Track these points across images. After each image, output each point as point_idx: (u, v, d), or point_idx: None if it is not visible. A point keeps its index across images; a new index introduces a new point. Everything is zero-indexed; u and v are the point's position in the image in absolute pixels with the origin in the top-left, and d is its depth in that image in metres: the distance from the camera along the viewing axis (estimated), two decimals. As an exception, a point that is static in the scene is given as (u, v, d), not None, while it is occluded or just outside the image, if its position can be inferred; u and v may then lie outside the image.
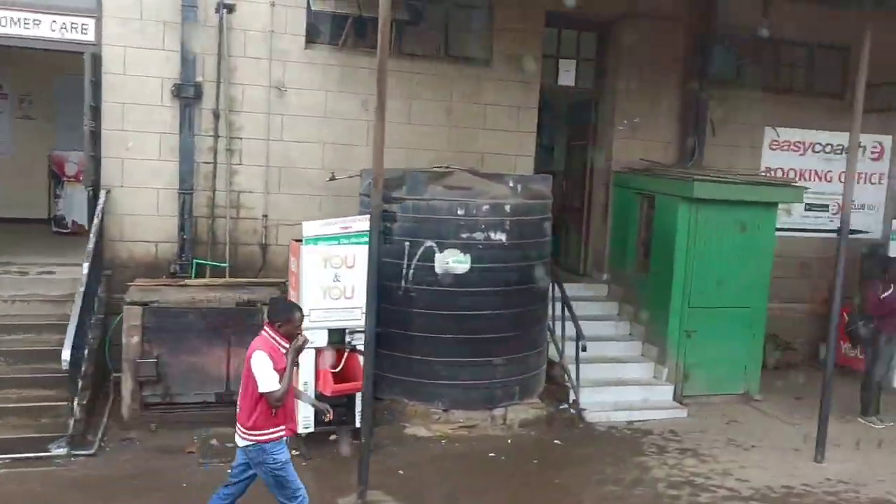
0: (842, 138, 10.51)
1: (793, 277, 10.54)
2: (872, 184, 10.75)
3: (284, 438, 4.81)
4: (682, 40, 9.68)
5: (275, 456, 4.73)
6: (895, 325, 8.12)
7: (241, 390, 4.82)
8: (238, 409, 4.81)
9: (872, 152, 10.69)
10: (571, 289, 9.67)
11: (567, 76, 9.77)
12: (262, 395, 4.62)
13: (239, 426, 4.78)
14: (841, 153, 10.55)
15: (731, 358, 8.69)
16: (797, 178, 10.38)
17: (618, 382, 8.55)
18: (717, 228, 8.51)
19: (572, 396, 8.06)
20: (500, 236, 7.28)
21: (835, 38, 10.40)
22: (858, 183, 10.68)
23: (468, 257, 7.20)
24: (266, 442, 4.70)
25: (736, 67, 10.26)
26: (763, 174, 9.96)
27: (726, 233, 8.54)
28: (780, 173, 10.29)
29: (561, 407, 8.00)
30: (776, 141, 10.28)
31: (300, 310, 5.01)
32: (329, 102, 8.64)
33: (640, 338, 9.06)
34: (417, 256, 7.23)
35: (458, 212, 7.18)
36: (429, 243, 7.21)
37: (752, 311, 8.74)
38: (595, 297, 9.66)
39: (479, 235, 7.21)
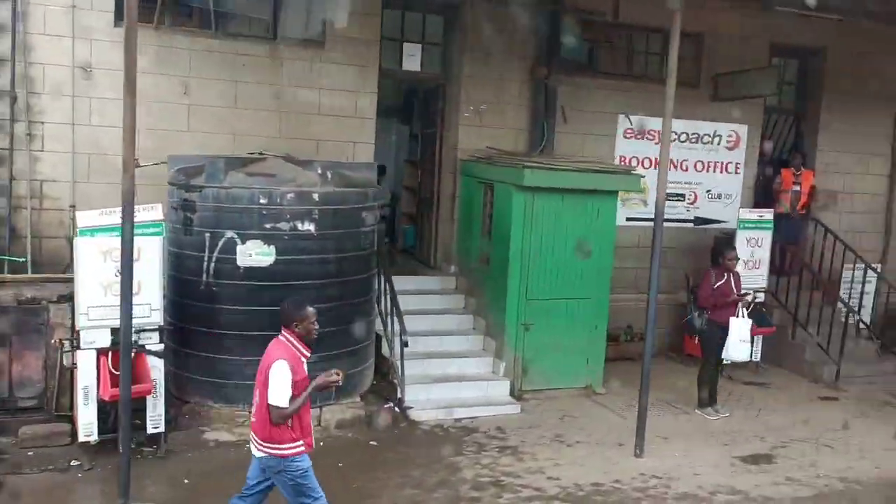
0: (698, 127, 10.50)
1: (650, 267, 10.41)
2: (729, 173, 10.70)
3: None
4: (529, 25, 9.41)
5: (297, 463, 4.59)
6: (728, 315, 8.00)
7: (256, 398, 4.63)
8: (253, 419, 4.67)
9: (728, 141, 10.63)
10: (419, 282, 9.44)
11: (412, 61, 9.38)
12: (268, 405, 4.45)
13: (254, 436, 4.63)
14: (697, 142, 10.49)
15: (571, 351, 8.47)
16: (652, 167, 10.27)
17: (454, 378, 8.23)
18: (554, 218, 8.27)
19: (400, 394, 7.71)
20: (309, 226, 6.84)
21: (688, 26, 10.28)
22: (714, 172, 10.69)
23: (272, 249, 6.76)
24: (286, 457, 4.56)
25: (588, 54, 10.06)
26: (605, 162, 9.66)
27: (565, 222, 8.32)
28: (634, 162, 10.13)
29: (386, 406, 7.62)
30: (630, 129, 10.11)
31: (310, 303, 4.75)
32: (144, 85, 8.03)
33: (482, 332, 8.77)
34: (219, 248, 6.76)
35: (261, 200, 6.72)
36: (230, 234, 6.74)
37: (594, 302, 8.54)
38: (443, 290, 9.33)
39: (284, 226, 6.77)
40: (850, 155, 11.38)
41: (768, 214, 9.74)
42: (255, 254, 6.72)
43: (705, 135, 10.49)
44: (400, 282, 9.25)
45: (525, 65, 9.50)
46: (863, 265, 10.88)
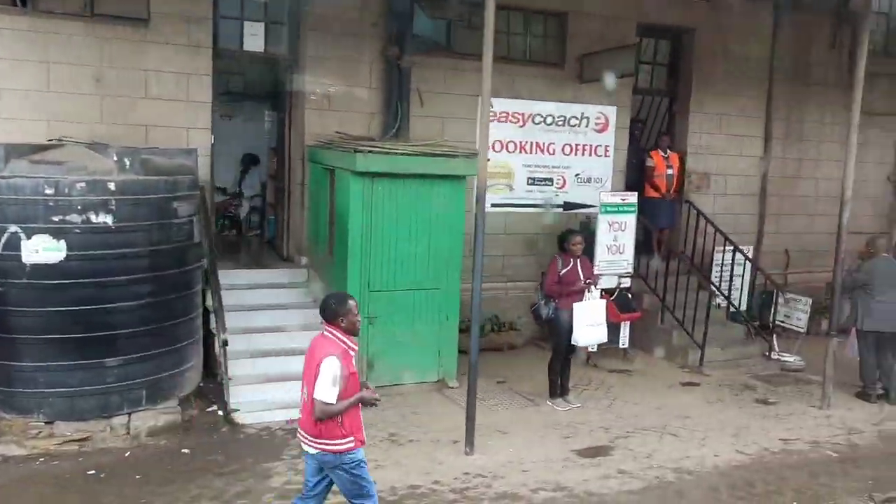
0: (565, 109, 10.21)
1: (518, 255, 10.14)
2: (599, 156, 10.45)
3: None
4: (379, 1, 8.96)
5: (351, 455, 4.55)
6: (575, 302, 7.73)
7: (304, 395, 4.57)
8: (301, 415, 4.64)
9: (597, 123, 10.38)
10: (269, 275, 8.99)
11: (254, 40, 8.82)
12: (313, 399, 4.40)
13: (304, 433, 4.60)
14: (564, 125, 10.21)
15: (421, 344, 8.09)
16: (518, 151, 9.96)
17: (294, 377, 7.67)
18: (396, 205, 7.84)
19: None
20: (105, 218, 6.27)
21: (552, 5, 10.02)
22: (584, 155, 10.43)
23: (63, 244, 6.17)
24: (341, 452, 4.53)
25: (446, 34, 9.66)
26: (447, 145, 9.12)
27: (407, 209, 7.89)
28: (498, 146, 9.80)
29: (209, 409, 7.13)
30: (493, 112, 9.74)
31: (351, 296, 4.77)
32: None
33: (329, 326, 8.32)
34: (2, 245, 6.13)
35: (47, 191, 6.12)
36: (13, 229, 6.12)
37: (444, 292, 8.17)
38: (292, 283, 8.84)
39: (75, 218, 6.18)
40: (722, 136, 11.29)
41: (631, 198, 9.50)
42: (42, 249, 6.12)
43: (572, 117, 10.21)
44: (248, 276, 8.83)
45: (376, 45, 9.05)
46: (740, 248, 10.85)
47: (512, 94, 9.84)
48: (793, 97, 11.68)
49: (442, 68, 9.42)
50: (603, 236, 9.30)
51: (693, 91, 10.97)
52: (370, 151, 7.53)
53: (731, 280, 10.52)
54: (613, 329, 9.31)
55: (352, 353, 4.61)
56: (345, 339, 4.59)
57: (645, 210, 10.84)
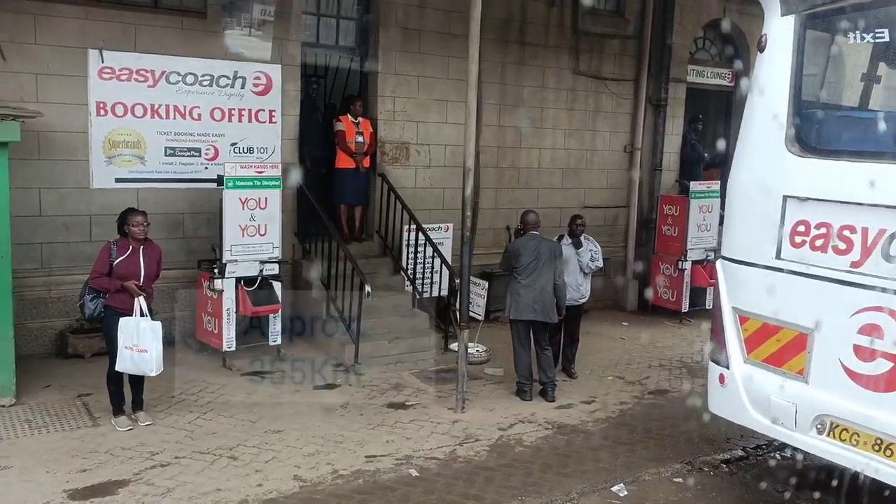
0: (210, 67, 8.68)
1: (165, 238, 8.57)
2: (261, 122, 8.98)
3: None
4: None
5: None
6: (133, 299, 6.23)
7: None
8: None
9: (256, 84, 8.90)
10: None
11: None
12: None
13: None
14: (211, 85, 8.68)
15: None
16: (150, 115, 8.37)
17: None
18: None
19: None
20: None
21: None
22: (240, 122, 8.95)
23: None
24: None
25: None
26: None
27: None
28: (120, 109, 8.17)
29: None
30: (109, 68, 8.09)
31: None
32: None
33: None
34: None
35: None
36: None
37: (-15, 290, 6.54)
38: None
39: None
40: (422, 101, 10.04)
41: (271, 171, 8.08)
42: None
43: (222, 76, 8.68)
44: None
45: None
46: (440, 226, 9.71)
47: (137, 48, 8.22)
48: (508, 58, 10.58)
49: (30, 13, 7.70)
50: (235, 216, 7.87)
51: (381, 49, 9.64)
52: None
53: (431, 263, 9.35)
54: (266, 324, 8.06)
55: None
56: None
57: (334, 184, 9.62)
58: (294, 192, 9.04)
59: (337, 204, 9.53)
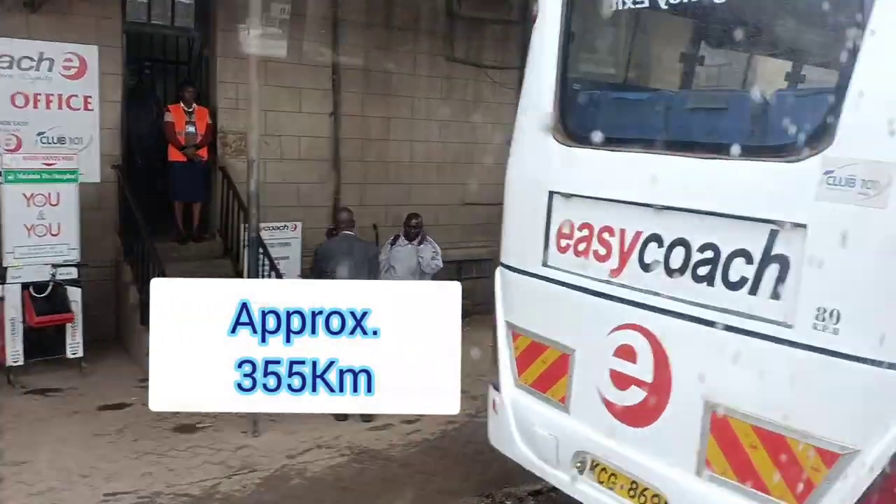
0: (8, 47, 7.81)
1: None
2: (74, 109, 8.10)
3: None
4: None
5: None
6: None
7: None
8: None
9: (67, 67, 8.01)
10: None
11: None
12: None
13: None
14: (11, 67, 7.79)
15: None
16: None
17: None
18: None
19: None
20: None
21: None
22: (49, 108, 8.06)
23: None
24: None
25: None
26: None
27: None
28: None
29: None
30: None
31: None
32: None
33: None
34: None
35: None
36: None
37: None
38: None
39: None
40: (271, 88, 9.14)
41: (64, 163, 7.21)
42: None
43: (24, 58, 7.79)
44: None
45: None
46: (285, 225, 8.92)
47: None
48: (372, 43, 9.76)
49: None
50: (18, 214, 6.99)
51: (219, 31, 8.79)
52: None
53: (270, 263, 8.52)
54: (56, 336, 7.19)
55: None
56: None
57: (169, 178, 8.78)
58: (115, 187, 8.20)
59: (172, 201, 8.69)
